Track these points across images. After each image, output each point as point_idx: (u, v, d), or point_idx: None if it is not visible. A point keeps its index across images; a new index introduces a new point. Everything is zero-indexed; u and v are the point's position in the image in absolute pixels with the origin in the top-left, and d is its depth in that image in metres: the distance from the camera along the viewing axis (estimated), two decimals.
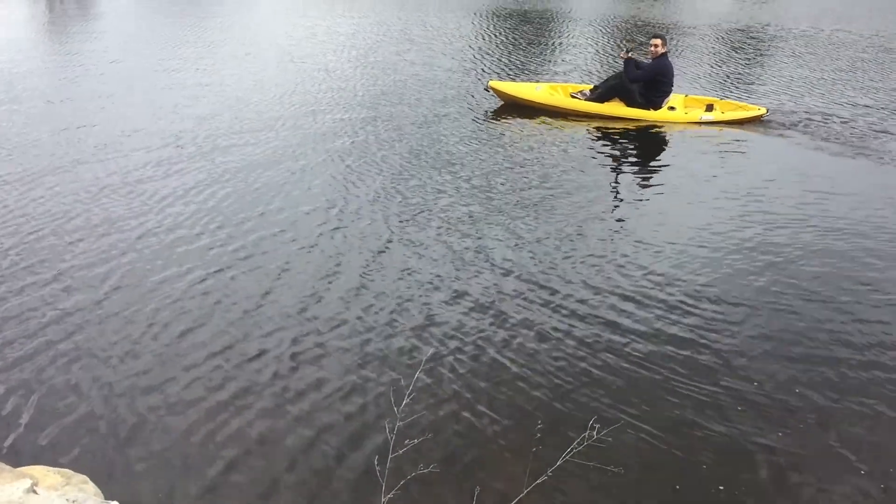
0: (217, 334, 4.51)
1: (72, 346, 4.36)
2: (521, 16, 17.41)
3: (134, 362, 4.25)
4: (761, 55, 13.74)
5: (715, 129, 9.08)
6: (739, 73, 12.15)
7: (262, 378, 4.13)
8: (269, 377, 4.14)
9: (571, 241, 5.86)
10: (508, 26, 16.03)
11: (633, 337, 4.56)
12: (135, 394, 3.99)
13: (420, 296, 4.98)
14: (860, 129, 9.04)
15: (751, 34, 15.42)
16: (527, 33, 15.15)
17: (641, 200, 6.90)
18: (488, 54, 13.01)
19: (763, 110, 9.40)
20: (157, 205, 6.35)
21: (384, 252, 5.58)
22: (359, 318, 4.71)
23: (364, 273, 5.27)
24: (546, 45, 14.15)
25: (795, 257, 5.64)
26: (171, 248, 5.58)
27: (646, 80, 9.22)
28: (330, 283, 5.13)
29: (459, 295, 5.00)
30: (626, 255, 5.63)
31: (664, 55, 9.25)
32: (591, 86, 9.68)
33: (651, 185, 7.38)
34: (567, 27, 16.12)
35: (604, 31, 15.30)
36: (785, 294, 5.10)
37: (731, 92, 10.70)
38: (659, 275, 5.32)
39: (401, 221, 6.11)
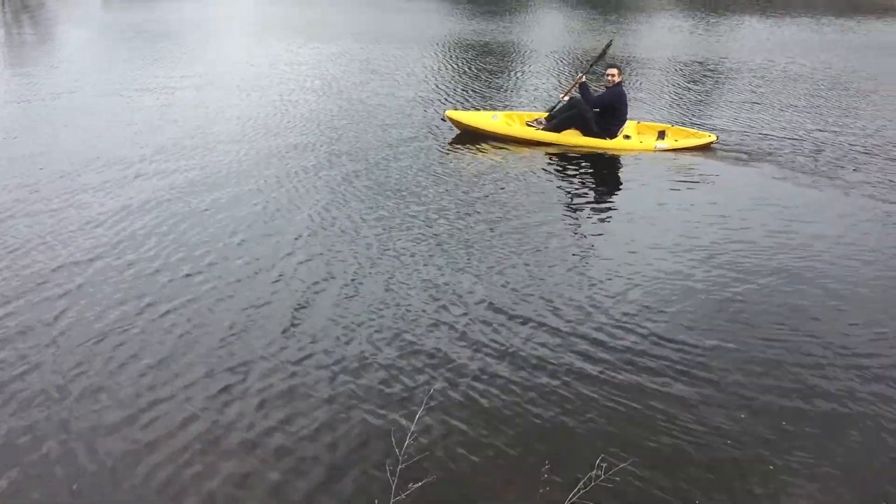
0: (181, 371, 4.36)
1: (25, 387, 4.18)
2: (483, 46, 17.55)
3: (92, 402, 4.07)
4: (712, 85, 13.99)
5: (669, 155, 9.20)
6: (690, 102, 12.33)
7: (228, 418, 3.99)
8: (236, 417, 4.00)
9: (539, 270, 5.81)
10: (469, 56, 16.12)
11: (611, 367, 4.51)
12: (94, 436, 3.82)
13: (388, 328, 4.88)
14: (809, 155, 9.25)
15: (704, 66, 15.73)
16: (487, 63, 15.24)
17: (604, 229, 6.90)
18: (448, 84, 13.02)
19: (713, 137, 9.58)
20: (115, 236, 6.18)
21: (348, 283, 5.47)
22: (328, 351, 4.59)
23: (327, 305, 5.15)
24: (505, 74, 14.23)
25: (757, 278, 5.67)
26: (130, 280, 5.41)
27: (603, 106, 9.31)
28: (295, 315, 5.00)
29: (432, 325, 4.91)
30: (595, 285, 5.59)
31: (619, 84, 9.38)
32: (546, 113, 9.71)
33: (611, 213, 7.39)
34: (526, 57, 16.26)
35: (562, 61, 15.46)
36: (753, 317, 5.11)
37: (682, 120, 10.86)
38: (631, 302, 5.30)
39: (362, 252, 6.01)
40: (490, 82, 13.37)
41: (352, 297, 5.30)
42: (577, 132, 9.37)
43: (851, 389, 4.41)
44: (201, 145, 8.72)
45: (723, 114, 11.42)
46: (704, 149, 9.39)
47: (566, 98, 9.66)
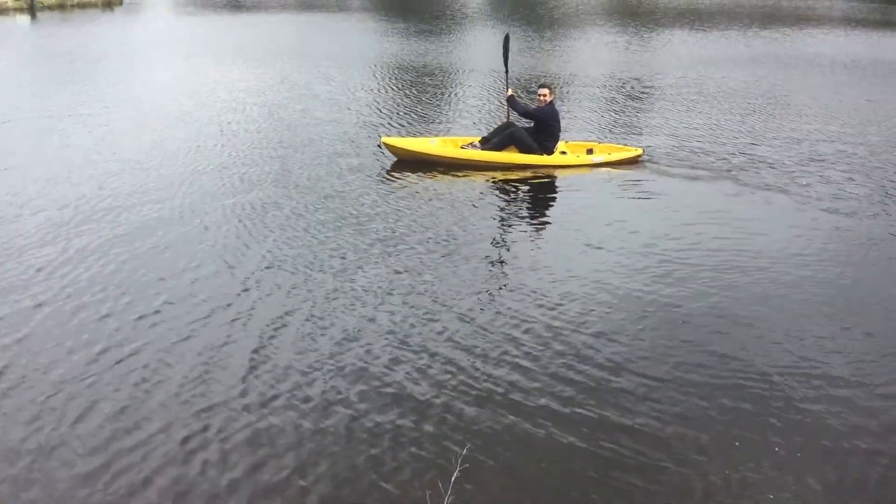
0: (139, 422, 4.25)
1: None
2: (421, 68, 17.59)
3: (47, 462, 3.94)
4: (635, 101, 14.33)
5: (604, 170, 9.43)
6: (615, 119, 12.64)
7: (192, 470, 3.90)
8: (199, 469, 3.92)
9: (493, 296, 5.84)
10: (407, 79, 16.12)
11: (572, 401, 4.56)
12: (51, 501, 3.69)
13: (349, 365, 4.84)
14: (735, 163, 9.67)
15: (630, 81, 16.10)
16: (425, 86, 15.24)
17: (555, 248, 6.96)
18: (388, 108, 12.95)
19: (640, 151, 9.93)
20: (59, 281, 5.98)
21: (306, 319, 5.41)
22: (291, 392, 4.53)
23: (286, 343, 5.09)
24: (443, 97, 14.25)
25: (707, 294, 5.81)
26: (78, 328, 5.25)
27: (538, 122, 9.45)
28: (253, 356, 4.92)
29: (391, 361, 4.89)
30: (554, 309, 5.64)
31: (551, 103, 9.58)
32: (479, 137, 9.73)
33: (560, 232, 7.50)
34: (463, 78, 16.34)
35: (495, 83, 15.54)
36: (705, 336, 5.24)
37: (607, 136, 11.15)
38: (587, 327, 5.36)
39: (316, 287, 5.95)
40: (428, 105, 13.37)
41: (310, 334, 5.25)
42: (516, 150, 9.46)
43: (807, 398, 4.56)
44: (141, 182, 8.51)
45: (645, 128, 11.78)
46: (633, 162, 9.71)
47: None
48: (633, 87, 15.47)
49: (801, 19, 33.03)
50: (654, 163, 9.73)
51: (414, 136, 10.65)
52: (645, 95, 14.83)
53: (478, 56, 19.79)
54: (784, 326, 5.51)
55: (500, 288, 6.09)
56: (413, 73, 16.71)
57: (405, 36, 24.10)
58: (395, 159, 9.49)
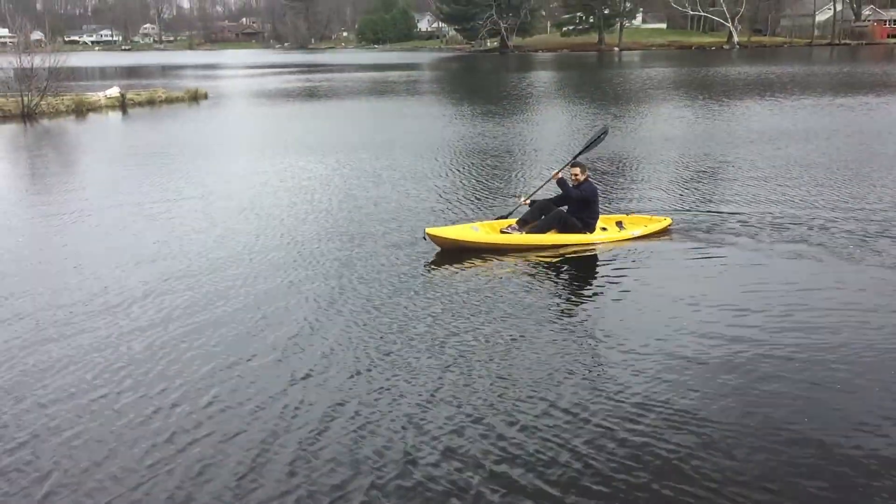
0: None
1: None
2: (484, 150, 17.91)
3: None
4: (661, 172, 14.40)
5: (641, 243, 9.50)
6: (636, 189, 12.79)
7: None
8: None
9: (550, 375, 5.79)
10: (468, 163, 16.41)
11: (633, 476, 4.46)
12: None
13: (397, 453, 4.85)
14: (775, 231, 9.93)
15: (638, 152, 16.12)
16: (483, 168, 15.51)
17: (610, 324, 6.86)
18: (444, 194, 13.16)
19: (669, 220, 10.07)
20: (109, 361, 6.23)
21: (352, 404, 5.47)
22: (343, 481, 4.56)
23: (337, 429, 5.14)
24: (494, 179, 14.42)
25: (767, 358, 5.64)
26: (128, 407, 5.44)
27: (583, 200, 9.50)
28: (298, 452, 4.99)
29: (447, 450, 4.88)
30: (609, 381, 5.56)
31: (587, 180, 9.65)
32: (513, 220, 9.73)
33: (614, 304, 7.50)
34: (513, 157, 16.55)
35: (538, 158, 15.65)
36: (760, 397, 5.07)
37: (629, 207, 11.24)
38: (644, 399, 5.26)
39: (364, 371, 6.03)
40: (480, 188, 13.49)
41: (361, 430, 5.28)
42: (558, 231, 9.45)
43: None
44: (203, 275, 8.78)
45: (666, 198, 12.04)
46: (665, 232, 9.85)
47: (525, 201, 9.94)
48: (643, 159, 15.59)
49: (876, 86, 32.40)
50: (684, 231, 9.95)
51: (455, 223, 10.33)
52: (669, 166, 14.93)
53: (540, 135, 20.05)
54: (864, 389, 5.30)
55: (570, 370, 6.03)
56: (475, 155, 17.00)
57: (470, 118, 24.64)
58: (440, 249, 9.24)
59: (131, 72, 62.98)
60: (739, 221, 10.37)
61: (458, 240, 9.24)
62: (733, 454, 4.85)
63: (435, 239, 9.21)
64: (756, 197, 11.98)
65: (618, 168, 15.01)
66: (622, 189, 12.90)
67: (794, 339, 6.52)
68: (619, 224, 9.88)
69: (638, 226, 9.87)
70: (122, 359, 6.51)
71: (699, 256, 9.01)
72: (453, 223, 10.27)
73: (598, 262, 9.01)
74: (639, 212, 10.69)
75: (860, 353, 6.25)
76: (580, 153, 10.29)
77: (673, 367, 6.06)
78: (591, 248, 9.38)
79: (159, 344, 6.81)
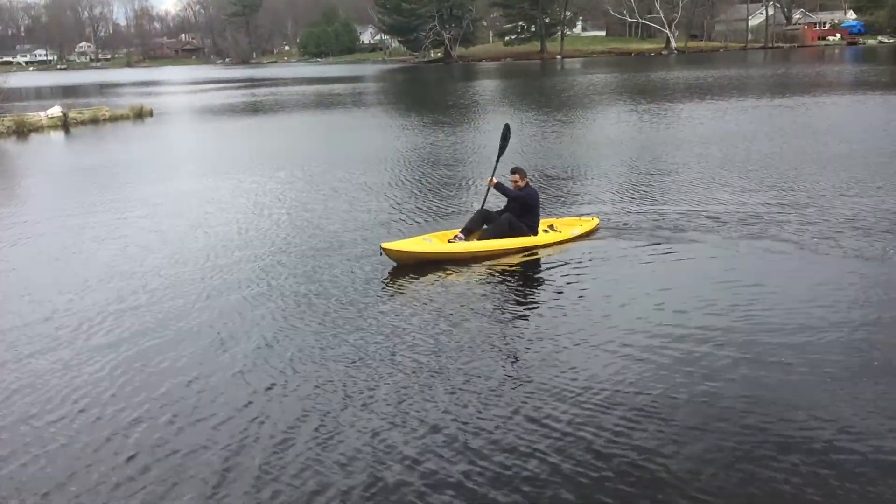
0: None
1: None
2: (431, 160, 18.00)
3: None
4: (582, 174, 14.88)
5: (582, 242, 9.85)
6: (565, 193, 13.20)
7: None
8: None
9: (521, 383, 5.88)
10: (414, 173, 16.47)
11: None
12: None
13: (363, 476, 4.89)
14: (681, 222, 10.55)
15: (562, 154, 16.50)
16: (430, 178, 15.58)
17: (570, 323, 6.96)
18: (393, 205, 13.24)
19: (597, 220, 10.50)
20: (65, 377, 6.14)
21: (322, 425, 5.49)
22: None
23: (301, 453, 5.16)
24: (442, 189, 14.51)
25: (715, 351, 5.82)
26: (85, 440, 5.37)
27: (526, 204, 9.71)
28: (260, 471, 4.99)
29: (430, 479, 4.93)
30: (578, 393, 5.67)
31: (528, 185, 9.90)
32: (459, 230, 9.75)
33: (569, 306, 7.64)
34: (460, 169, 16.69)
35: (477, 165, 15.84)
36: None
37: (559, 211, 11.61)
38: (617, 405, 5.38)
39: (335, 394, 6.05)
40: (429, 199, 13.51)
41: (322, 444, 5.30)
42: (507, 236, 9.57)
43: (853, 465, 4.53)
44: (156, 289, 8.72)
45: (596, 199, 12.50)
46: (595, 231, 10.28)
47: (479, 207, 10.00)
48: (565, 161, 15.89)
49: (811, 87, 33.44)
50: (614, 230, 10.39)
51: (408, 235, 10.28)
52: (603, 168, 15.38)
53: (487, 143, 20.26)
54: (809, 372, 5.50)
55: (529, 375, 6.13)
56: (425, 166, 17.09)
57: (418, 128, 24.76)
58: (393, 265, 9.13)
59: (69, 91, 61.54)
60: (672, 219, 10.80)
61: (413, 252, 9.21)
62: (694, 450, 4.98)
63: (390, 253, 9.09)
64: (692, 195, 12.42)
65: (552, 172, 15.28)
66: (553, 194, 13.13)
67: (744, 332, 6.75)
68: (552, 227, 10.11)
69: (572, 227, 10.19)
70: (79, 381, 6.42)
71: (638, 254, 9.32)
72: (407, 236, 10.27)
73: (546, 265, 9.19)
74: (567, 215, 11.08)
75: (802, 341, 6.50)
76: (499, 157, 10.46)
77: (635, 365, 6.21)
78: (536, 251, 9.57)
79: (115, 365, 6.72)
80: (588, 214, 11.00)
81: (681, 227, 10.40)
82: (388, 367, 6.42)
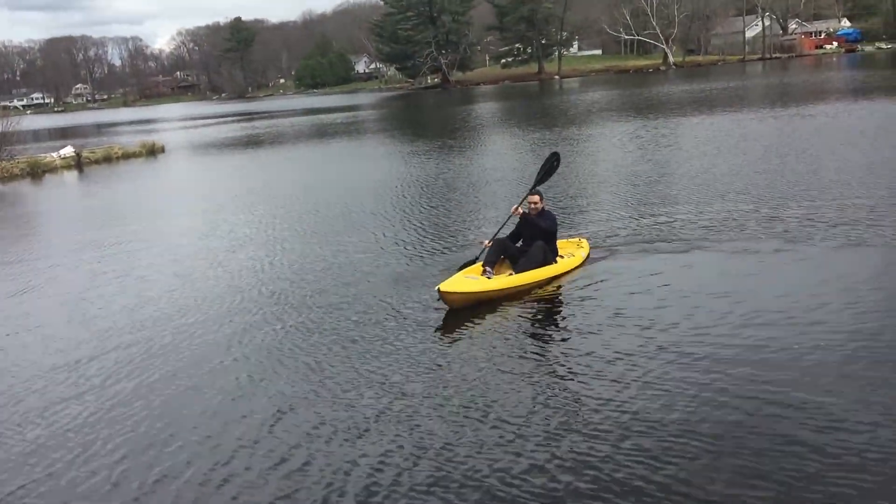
0: None
1: None
2: (436, 185, 17.66)
3: None
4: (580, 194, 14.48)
5: (585, 266, 9.44)
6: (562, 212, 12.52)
7: None
8: None
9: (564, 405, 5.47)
10: (423, 201, 16.14)
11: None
12: None
13: None
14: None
15: (584, 175, 16.23)
16: (442, 205, 15.25)
17: (606, 356, 6.56)
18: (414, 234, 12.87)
19: (585, 240, 10.10)
20: (66, 415, 5.72)
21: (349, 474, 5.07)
22: None
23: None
24: (456, 217, 14.14)
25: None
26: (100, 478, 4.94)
27: (549, 231, 9.22)
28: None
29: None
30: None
31: (544, 209, 9.38)
32: (481, 263, 9.08)
33: (602, 335, 7.06)
34: (472, 195, 16.34)
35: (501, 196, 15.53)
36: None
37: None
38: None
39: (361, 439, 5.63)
40: (433, 228, 12.91)
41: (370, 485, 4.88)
42: (542, 265, 9.04)
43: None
44: (170, 324, 8.39)
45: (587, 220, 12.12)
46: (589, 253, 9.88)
47: (489, 243, 9.21)
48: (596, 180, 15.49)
49: (815, 94, 33.24)
50: (603, 247, 10.14)
51: (427, 269, 9.87)
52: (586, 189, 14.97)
53: (495, 167, 19.94)
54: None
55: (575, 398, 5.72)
56: (435, 195, 16.74)
57: (425, 155, 24.38)
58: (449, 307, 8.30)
59: (67, 132, 61.53)
60: (675, 232, 10.65)
61: (472, 293, 8.37)
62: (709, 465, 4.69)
63: (449, 296, 8.18)
64: (700, 207, 12.11)
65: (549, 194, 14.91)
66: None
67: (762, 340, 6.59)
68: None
69: (571, 248, 9.77)
70: (111, 431, 6.02)
71: (645, 268, 9.11)
72: (425, 269, 9.90)
73: (572, 290, 8.72)
74: (563, 237, 10.16)
75: (806, 351, 6.31)
76: (536, 184, 9.86)
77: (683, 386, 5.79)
78: (563, 277, 9.08)
79: (144, 416, 6.33)
80: (578, 235, 10.59)
81: (698, 239, 10.20)
82: (458, 412, 6.00)
